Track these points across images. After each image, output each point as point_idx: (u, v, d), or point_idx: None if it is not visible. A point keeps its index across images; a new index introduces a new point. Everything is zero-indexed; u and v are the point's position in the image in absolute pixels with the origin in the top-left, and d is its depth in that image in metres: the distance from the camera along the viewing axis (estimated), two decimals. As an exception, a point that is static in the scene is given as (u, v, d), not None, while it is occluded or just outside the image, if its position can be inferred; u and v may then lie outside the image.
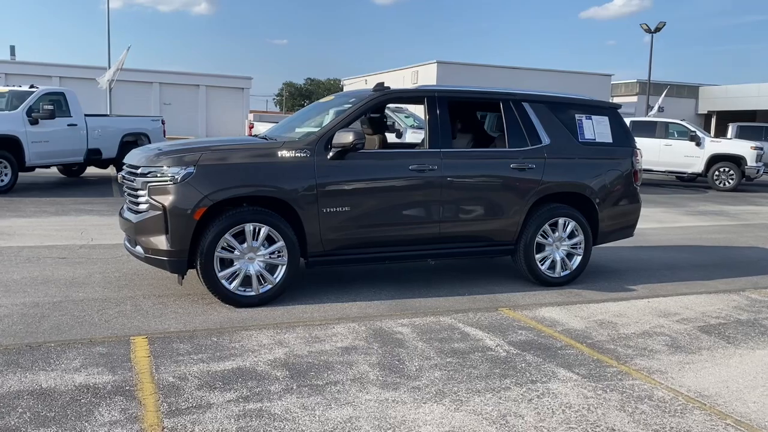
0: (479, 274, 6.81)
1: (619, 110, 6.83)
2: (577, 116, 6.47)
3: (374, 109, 6.04)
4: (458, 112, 6.54)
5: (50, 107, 12.26)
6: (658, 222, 11.51)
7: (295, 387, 3.74)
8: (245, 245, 5.20)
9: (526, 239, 6.15)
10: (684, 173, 19.35)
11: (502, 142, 6.29)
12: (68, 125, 13.16)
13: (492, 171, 6.01)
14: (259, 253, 5.26)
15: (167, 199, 5.04)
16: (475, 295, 5.95)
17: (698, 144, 18.58)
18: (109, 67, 22.44)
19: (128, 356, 4.12)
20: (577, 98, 6.69)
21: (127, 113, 27.68)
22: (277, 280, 5.33)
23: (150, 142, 14.17)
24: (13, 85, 13.64)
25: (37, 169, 13.40)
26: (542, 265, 6.29)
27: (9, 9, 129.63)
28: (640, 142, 17.89)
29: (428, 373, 4.03)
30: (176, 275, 5.31)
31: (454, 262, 7.22)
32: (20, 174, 12.56)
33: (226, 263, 5.20)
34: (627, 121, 19.51)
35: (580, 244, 6.39)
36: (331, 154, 5.40)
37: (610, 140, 6.60)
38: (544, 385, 3.92)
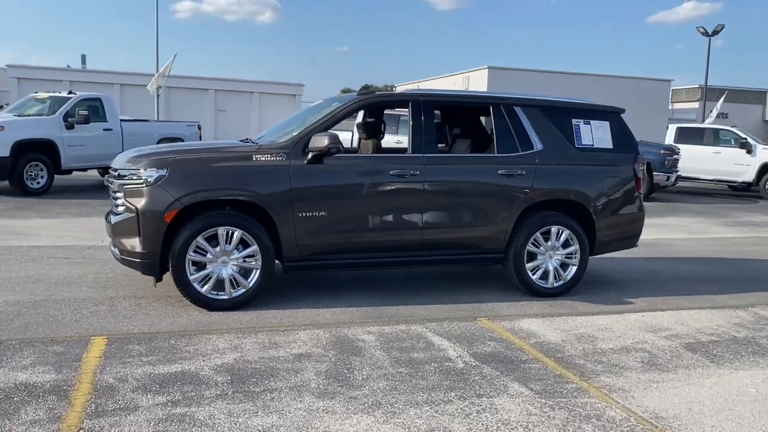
0: (470, 282, 6.64)
1: (621, 114, 6.54)
2: (574, 121, 6.23)
3: (355, 113, 5.95)
4: (449, 117, 6.41)
5: (85, 112, 12.68)
6: (689, 233, 11.00)
7: (230, 393, 3.70)
8: (218, 249, 5.21)
9: (516, 247, 5.95)
10: (734, 182, 18.49)
11: (492, 148, 6.12)
12: (104, 130, 13.59)
13: (478, 177, 5.85)
14: (232, 257, 5.26)
15: (140, 202, 5.09)
16: (459, 303, 5.79)
17: (749, 151, 17.72)
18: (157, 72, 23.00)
19: (80, 356, 4.16)
20: (575, 102, 6.45)
21: (182, 119, 28.21)
22: (251, 284, 5.32)
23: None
24: (55, 92, 14.18)
25: (76, 173, 13.88)
26: (534, 274, 6.07)
27: (82, 18, 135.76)
28: (687, 149, 17.36)
29: (373, 383, 3.92)
30: (156, 277, 5.34)
31: (446, 270, 7.07)
32: (59, 177, 13.07)
33: (199, 266, 5.22)
34: (673, 127, 18.84)
35: (576, 253, 6.14)
36: (307, 158, 5.36)
37: (610, 146, 6.33)
38: (489, 399, 3.75)
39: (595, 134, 6.28)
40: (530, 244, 6.01)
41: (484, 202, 5.85)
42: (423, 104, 5.81)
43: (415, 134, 5.76)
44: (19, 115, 12.82)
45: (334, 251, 5.56)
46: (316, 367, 4.14)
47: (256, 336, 4.69)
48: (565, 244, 6.13)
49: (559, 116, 6.20)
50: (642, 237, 6.72)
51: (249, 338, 4.63)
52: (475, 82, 37.36)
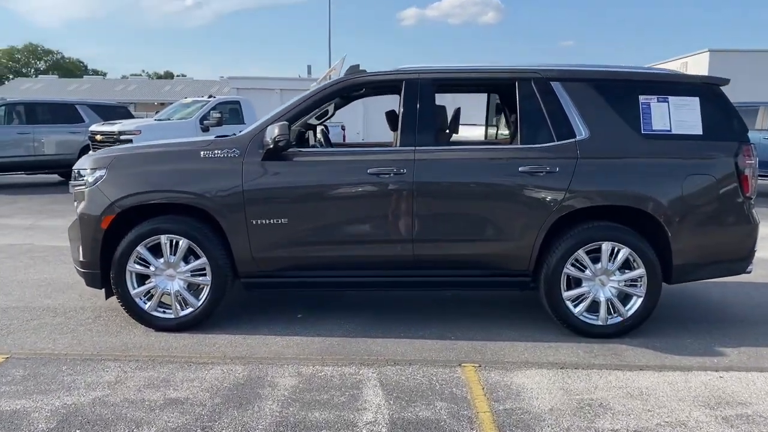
0: (506, 310, 5.18)
1: (722, 87, 4.64)
2: (642, 99, 4.53)
3: (332, 98, 4.87)
4: (509, 100, 5.07)
5: (218, 115, 12.93)
6: None
7: (24, 448, 2.95)
8: (162, 260, 4.52)
9: (548, 270, 4.46)
10: None
11: (516, 137, 4.69)
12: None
13: (487, 176, 4.46)
14: (179, 270, 4.53)
15: (81, 205, 4.58)
16: (462, 340, 4.45)
17: None
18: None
19: (-51, 379, 3.70)
20: (646, 73, 4.71)
21: (371, 121, 28.10)
22: (200, 303, 4.55)
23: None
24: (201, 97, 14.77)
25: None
26: (576, 306, 4.51)
27: (309, 33, 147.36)
28: None
29: (207, 454, 2.91)
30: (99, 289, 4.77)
31: (479, 295, 5.61)
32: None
33: (144, 280, 4.58)
34: None
35: (641, 280, 4.46)
36: (262, 153, 4.45)
37: (699, 131, 4.51)
38: (331, 503, 2.55)
39: (675, 116, 4.51)
40: (570, 266, 4.46)
41: (497, 208, 4.44)
42: (419, 84, 4.59)
43: (405, 123, 4.55)
44: (160, 120, 13.50)
45: (300, 267, 4.57)
46: (168, 421, 3.23)
47: (161, 369, 3.89)
48: (626, 267, 4.48)
49: (619, 92, 4.55)
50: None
51: (147, 371, 3.85)
52: (694, 68, 33.11)
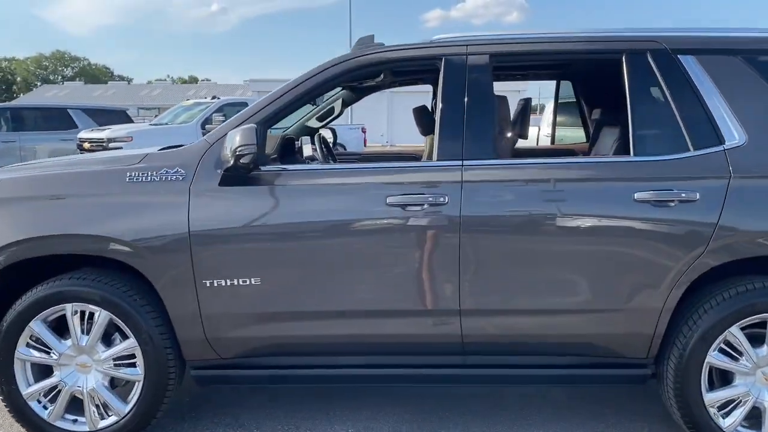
0: (605, 406, 3.46)
1: None
2: (831, 79, 2.80)
3: (331, 87, 3.23)
4: (588, 89, 3.37)
5: (222, 118, 11.38)
6: None
7: None
8: (69, 342, 2.91)
9: (680, 357, 2.75)
10: None
11: (622, 144, 2.99)
12: (248, 135, 12.31)
13: (583, 208, 2.76)
14: (97, 358, 2.92)
15: (-54, 258, 2.98)
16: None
17: None
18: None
19: None
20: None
21: (403, 123, 26.68)
22: (129, 408, 2.93)
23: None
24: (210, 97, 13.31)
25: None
26: (726, 416, 2.80)
27: (334, 36, 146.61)
28: None
29: None
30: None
31: None
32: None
33: (43, 372, 2.98)
34: None
35: (834, 375, 2.73)
36: (220, 174, 2.82)
37: None
38: None
39: None
40: (716, 351, 2.75)
41: (598, 260, 2.75)
42: (468, 62, 2.91)
43: (447, 124, 2.87)
44: (158, 124, 12.05)
45: (281, 352, 2.93)
46: None
47: None
48: (808, 354, 2.76)
49: (792, 69, 2.83)
50: None
51: None
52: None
